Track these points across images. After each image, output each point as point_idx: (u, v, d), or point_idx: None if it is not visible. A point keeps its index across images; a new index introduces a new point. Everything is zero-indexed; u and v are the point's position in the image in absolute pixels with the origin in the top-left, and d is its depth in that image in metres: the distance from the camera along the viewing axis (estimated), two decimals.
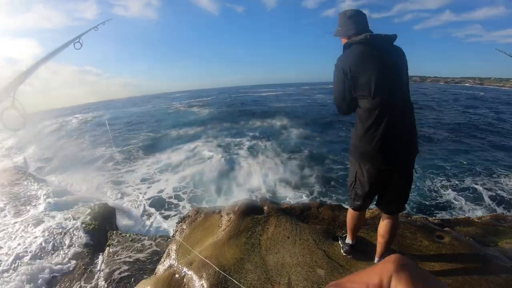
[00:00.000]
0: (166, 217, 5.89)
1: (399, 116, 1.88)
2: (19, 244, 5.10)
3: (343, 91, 1.96)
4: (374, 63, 1.85)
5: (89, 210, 6.42)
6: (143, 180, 9.11)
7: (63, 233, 5.41)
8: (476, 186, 7.07)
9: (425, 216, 4.40)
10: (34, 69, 0.99)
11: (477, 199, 6.40)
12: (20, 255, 4.71)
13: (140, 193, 7.84)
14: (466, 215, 5.25)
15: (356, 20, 2.01)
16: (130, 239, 4.99)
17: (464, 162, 9.12)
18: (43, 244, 5.06)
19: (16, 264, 4.45)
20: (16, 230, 5.61)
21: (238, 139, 14.76)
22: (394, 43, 1.94)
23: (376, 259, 2.31)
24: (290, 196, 6.72)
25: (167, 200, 7.14)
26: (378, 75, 1.83)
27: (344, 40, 2.06)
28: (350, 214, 2.34)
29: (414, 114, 2.00)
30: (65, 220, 5.92)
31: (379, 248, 2.26)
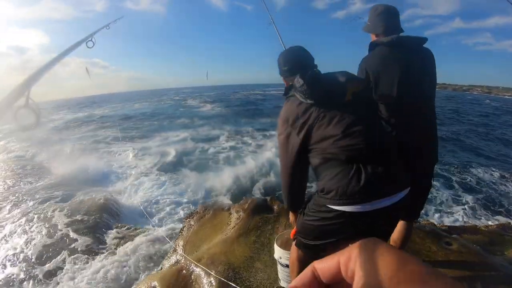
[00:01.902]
0: (172, 211, 5.88)
1: (420, 121, 1.86)
2: (21, 239, 5.14)
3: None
4: (397, 68, 1.79)
5: (91, 202, 6.47)
6: (149, 172, 9.04)
7: (65, 225, 5.43)
8: (483, 194, 7.04)
9: (432, 221, 4.41)
10: (48, 68, 0.99)
11: (484, 207, 6.37)
12: (20, 252, 4.73)
13: (146, 185, 7.81)
14: (473, 223, 5.25)
15: (386, 17, 1.91)
16: (135, 232, 5.00)
17: (473, 169, 9.05)
18: (45, 238, 5.08)
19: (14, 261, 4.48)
20: (18, 224, 5.64)
21: (246, 135, 14.65)
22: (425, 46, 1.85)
23: None
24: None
25: (174, 193, 7.11)
26: (400, 80, 1.78)
27: (373, 37, 1.98)
28: None
29: (435, 119, 1.94)
30: (68, 212, 5.95)
31: None
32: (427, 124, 1.90)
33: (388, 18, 1.91)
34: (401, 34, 1.88)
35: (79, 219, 5.62)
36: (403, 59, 1.80)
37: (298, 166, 1.55)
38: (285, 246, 2.21)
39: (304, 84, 1.47)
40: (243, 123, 18.14)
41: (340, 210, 1.38)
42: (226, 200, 5.75)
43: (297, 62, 1.67)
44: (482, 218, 5.83)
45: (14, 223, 5.60)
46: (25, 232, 5.26)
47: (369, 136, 1.42)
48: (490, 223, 4.74)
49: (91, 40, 1.48)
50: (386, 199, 1.37)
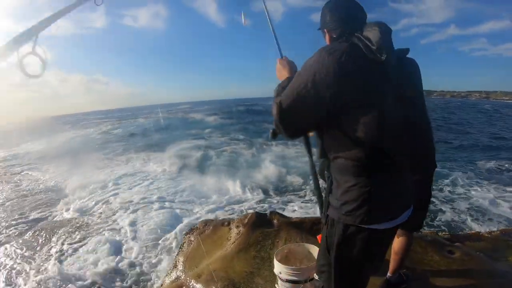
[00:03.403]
0: (172, 227, 5.87)
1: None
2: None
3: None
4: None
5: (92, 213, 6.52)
6: (153, 186, 9.02)
7: (65, 238, 5.44)
8: (485, 199, 6.97)
9: (434, 230, 4.38)
10: (58, 17, 0.97)
11: (487, 212, 6.32)
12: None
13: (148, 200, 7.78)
14: (476, 229, 5.21)
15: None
16: (136, 245, 4.99)
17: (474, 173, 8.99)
18: (46, 252, 5.08)
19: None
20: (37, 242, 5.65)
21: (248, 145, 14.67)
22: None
23: (388, 274, 2.29)
24: (298, 207, 6.59)
25: (173, 207, 7.09)
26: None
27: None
28: None
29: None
30: (69, 226, 5.96)
31: (392, 264, 2.24)
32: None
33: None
34: None
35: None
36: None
37: None
38: (285, 261, 2.20)
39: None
40: (250, 132, 18.25)
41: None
42: (225, 215, 5.74)
43: (353, 13, 1.34)
44: (484, 224, 5.78)
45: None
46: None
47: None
48: (493, 229, 4.70)
49: None
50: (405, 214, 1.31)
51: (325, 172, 1.35)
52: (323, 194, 1.40)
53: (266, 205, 6.69)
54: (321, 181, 1.47)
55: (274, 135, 1.38)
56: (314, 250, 2.19)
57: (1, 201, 8.23)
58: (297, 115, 1.22)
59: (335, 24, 1.34)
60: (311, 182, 1.48)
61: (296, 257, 2.28)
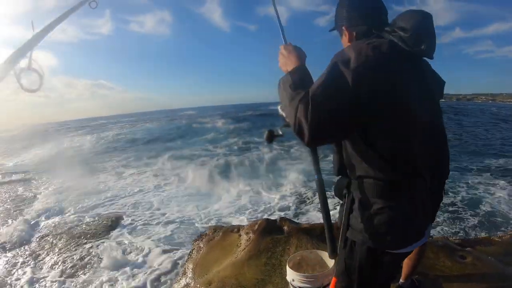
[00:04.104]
0: (182, 232, 5.86)
1: None
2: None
3: None
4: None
5: (101, 221, 6.52)
6: (160, 190, 9.02)
7: (72, 245, 5.44)
8: (496, 202, 6.90)
9: (445, 235, 4.33)
10: (50, 29, 0.98)
11: (496, 215, 6.25)
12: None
13: (157, 205, 7.76)
14: (487, 233, 5.17)
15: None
16: (142, 252, 4.98)
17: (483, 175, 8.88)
18: (49, 259, 5.09)
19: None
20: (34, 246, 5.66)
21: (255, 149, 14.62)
22: None
23: (401, 281, 2.28)
24: (308, 213, 6.52)
25: (184, 213, 7.08)
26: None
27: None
28: None
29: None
30: (75, 232, 5.98)
31: (405, 271, 2.22)
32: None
33: None
34: None
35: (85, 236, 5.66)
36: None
37: None
38: (297, 268, 2.19)
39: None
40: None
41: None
42: (235, 221, 5.72)
43: (378, 5, 1.21)
44: (494, 228, 5.72)
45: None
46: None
47: None
48: (504, 233, 4.65)
49: (94, 1, 1.42)
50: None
51: (344, 190, 1.22)
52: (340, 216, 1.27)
53: (278, 211, 6.65)
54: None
55: (271, 138, 1.27)
56: (327, 257, 2.19)
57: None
58: (332, 117, 0.97)
59: (358, 20, 1.18)
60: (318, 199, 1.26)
61: (308, 263, 2.27)
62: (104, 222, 6.54)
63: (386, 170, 1.07)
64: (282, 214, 6.29)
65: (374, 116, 1.01)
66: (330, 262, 2.13)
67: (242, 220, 6.08)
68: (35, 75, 0.86)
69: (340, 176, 1.25)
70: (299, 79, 1.09)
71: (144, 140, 22.65)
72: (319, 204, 1.18)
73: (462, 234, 5.49)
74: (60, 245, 5.55)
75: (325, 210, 1.16)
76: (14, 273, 4.77)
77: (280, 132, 1.32)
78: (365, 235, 1.13)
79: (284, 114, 1.18)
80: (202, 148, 16.33)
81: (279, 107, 1.23)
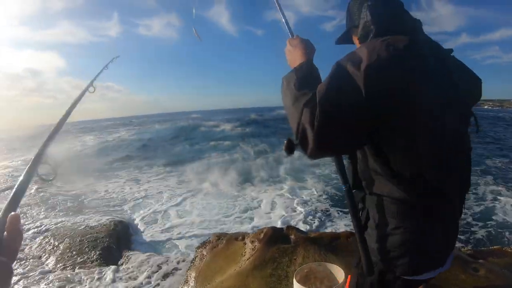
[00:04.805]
0: (184, 238, 5.78)
1: None
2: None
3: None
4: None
5: (104, 227, 6.41)
6: (163, 196, 8.89)
7: (73, 251, 5.36)
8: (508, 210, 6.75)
9: (456, 246, 4.17)
10: (60, 128, 1.12)
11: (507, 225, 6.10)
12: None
13: (155, 209, 7.67)
14: (499, 245, 5.03)
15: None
16: (146, 259, 4.90)
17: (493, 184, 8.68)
18: (53, 261, 5.03)
19: None
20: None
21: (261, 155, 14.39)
22: None
23: None
24: (311, 221, 6.36)
25: (186, 219, 6.99)
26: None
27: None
28: None
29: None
30: (77, 237, 5.89)
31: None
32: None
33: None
34: None
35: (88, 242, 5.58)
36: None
37: None
38: (305, 280, 2.09)
39: None
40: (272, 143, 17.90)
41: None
42: (240, 229, 5.63)
43: (400, 17, 1.04)
44: (505, 238, 5.57)
45: None
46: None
47: None
48: None
49: (92, 86, 1.59)
50: None
51: (359, 204, 1.12)
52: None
53: (286, 218, 6.47)
54: None
55: (291, 148, 1.07)
56: (336, 270, 2.09)
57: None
58: (342, 124, 0.85)
59: (377, 22, 1.00)
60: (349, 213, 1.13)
61: (317, 276, 2.17)
62: (113, 227, 6.46)
63: (402, 188, 0.95)
64: (292, 221, 6.19)
65: (385, 123, 0.88)
66: (339, 276, 2.05)
67: (248, 227, 5.99)
68: (49, 168, 0.96)
69: (355, 190, 1.13)
70: (304, 76, 0.96)
71: (150, 143, 22.49)
72: (351, 218, 1.08)
73: (472, 242, 5.36)
74: (62, 250, 5.50)
75: (358, 225, 1.06)
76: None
77: None
78: (378, 256, 1.04)
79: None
80: (214, 153, 16.08)
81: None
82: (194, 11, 1.97)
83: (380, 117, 0.86)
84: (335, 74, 0.88)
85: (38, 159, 0.92)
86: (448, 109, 0.93)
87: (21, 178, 0.81)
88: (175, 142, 21.81)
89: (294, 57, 1.09)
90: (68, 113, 1.22)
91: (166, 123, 43.95)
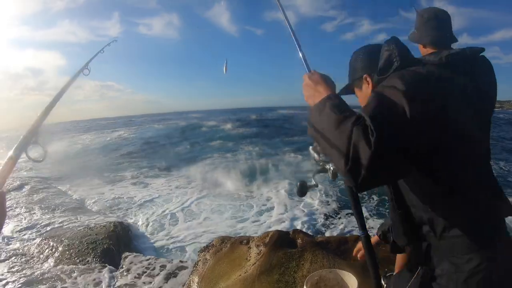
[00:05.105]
0: (187, 240, 5.67)
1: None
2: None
3: None
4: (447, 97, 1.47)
5: (104, 228, 6.29)
6: (163, 198, 8.75)
7: (72, 253, 5.26)
8: None
9: None
10: (52, 107, 1.13)
11: None
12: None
13: (159, 212, 7.53)
14: None
15: (436, 25, 1.55)
16: (147, 262, 4.79)
17: None
18: (51, 262, 4.94)
19: None
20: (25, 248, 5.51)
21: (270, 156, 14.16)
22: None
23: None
24: (317, 224, 6.23)
25: (189, 221, 6.87)
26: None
27: (420, 48, 1.64)
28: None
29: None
30: (76, 238, 5.78)
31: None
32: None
33: (438, 26, 1.58)
34: (454, 44, 1.60)
35: (87, 245, 5.47)
36: (456, 85, 1.45)
37: None
38: None
39: None
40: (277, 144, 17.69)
41: None
42: (244, 232, 5.51)
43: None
44: None
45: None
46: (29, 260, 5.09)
47: None
48: None
49: (86, 68, 1.58)
50: None
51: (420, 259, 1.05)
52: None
53: (291, 221, 6.37)
54: None
55: (304, 191, 1.12)
56: (348, 277, 1.98)
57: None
58: (400, 141, 0.80)
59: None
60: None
61: (327, 284, 2.06)
62: (112, 229, 6.35)
63: (469, 221, 0.93)
64: (297, 224, 6.08)
65: (436, 139, 0.87)
66: (351, 283, 1.94)
67: (253, 230, 5.88)
68: (40, 148, 0.97)
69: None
70: (342, 103, 0.91)
71: (151, 144, 22.30)
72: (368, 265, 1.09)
73: None
74: (60, 251, 5.39)
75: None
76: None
77: (314, 182, 1.18)
78: None
79: (317, 154, 1.11)
80: (216, 154, 15.85)
81: (310, 148, 1.14)
82: (226, 63, 1.98)
83: (426, 133, 0.85)
84: (376, 97, 0.88)
85: (29, 136, 0.92)
86: (474, 121, 0.99)
87: (9, 154, 0.82)
88: (175, 142, 21.63)
89: (314, 92, 1.05)
90: (61, 92, 1.23)
91: (166, 122, 43.83)
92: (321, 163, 1.09)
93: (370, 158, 0.74)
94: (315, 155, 1.10)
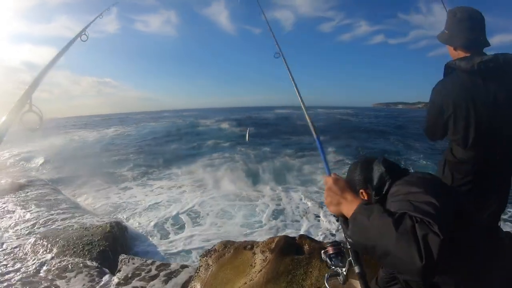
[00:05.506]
0: (189, 244, 5.55)
1: (495, 176, 1.52)
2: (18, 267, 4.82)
3: (435, 126, 1.59)
4: (480, 104, 1.40)
5: (100, 229, 6.14)
6: (165, 200, 8.58)
7: (67, 254, 5.12)
8: None
9: None
10: (46, 72, 1.12)
11: None
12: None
13: (161, 214, 7.37)
14: None
15: (469, 27, 1.47)
16: (144, 265, 4.67)
17: None
18: (44, 267, 4.79)
19: None
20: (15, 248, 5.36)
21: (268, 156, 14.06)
22: None
23: None
24: (327, 229, 6.10)
25: (186, 220, 6.73)
26: (481, 121, 1.41)
27: (450, 49, 1.58)
28: None
29: None
30: (71, 239, 5.64)
31: None
32: (505, 177, 1.56)
33: (471, 28, 1.48)
34: (486, 49, 1.50)
35: (83, 246, 5.34)
36: (488, 92, 1.38)
37: None
38: None
39: None
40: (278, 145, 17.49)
41: None
42: (245, 236, 5.38)
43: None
44: None
45: None
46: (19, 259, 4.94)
47: None
48: None
49: (84, 34, 1.55)
50: None
51: None
52: None
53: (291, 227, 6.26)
54: None
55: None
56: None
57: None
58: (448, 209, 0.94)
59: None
60: None
61: None
62: (109, 229, 6.20)
63: None
64: (303, 229, 5.98)
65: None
66: None
67: (258, 235, 5.76)
68: (35, 116, 0.97)
69: None
70: (385, 208, 0.94)
71: (148, 142, 22.06)
72: None
73: None
74: (55, 252, 5.25)
75: None
76: None
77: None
78: None
79: (329, 259, 1.17)
80: (215, 154, 15.58)
81: (322, 252, 1.23)
82: (248, 132, 1.95)
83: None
84: (407, 203, 0.95)
85: (23, 99, 0.91)
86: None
87: (3, 119, 0.82)
88: (172, 141, 21.45)
89: (340, 199, 1.07)
90: (58, 56, 1.22)
91: (163, 120, 43.60)
92: (333, 267, 1.14)
93: (441, 243, 0.77)
94: (328, 260, 1.15)
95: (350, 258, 1.09)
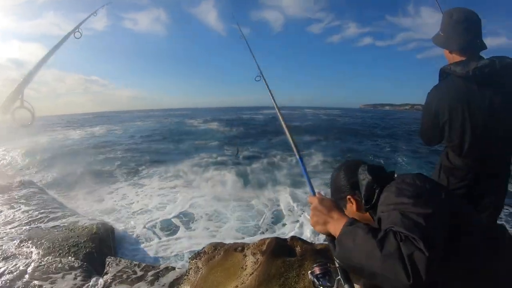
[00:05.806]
0: (175, 243, 5.46)
1: (491, 179, 1.52)
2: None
3: (430, 131, 1.59)
4: (475, 108, 1.39)
5: (86, 230, 5.99)
6: (151, 198, 8.48)
7: (53, 256, 4.98)
8: None
9: None
10: (38, 68, 1.12)
11: None
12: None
13: (151, 215, 7.25)
14: None
15: (465, 29, 1.45)
16: (131, 267, 4.58)
17: None
18: (29, 269, 4.65)
19: None
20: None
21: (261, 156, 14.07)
22: None
23: None
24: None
25: (177, 222, 6.64)
26: (477, 125, 1.41)
27: (446, 53, 1.56)
28: None
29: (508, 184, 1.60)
30: (57, 240, 5.49)
31: None
32: (499, 185, 1.58)
33: (467, 31, 1.46)
34: (482, 52, 1.48)
35: (69, 248, 5.21)
36: (484, 98, 1.37)
37: None
38: None
39: None
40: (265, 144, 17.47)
41: None
42: (237, 238, 5.31)
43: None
44: None
45: None
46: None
47: None
48: None
49: (78, 31, 1.56)
50: None
51: None
52: None
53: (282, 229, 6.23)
54: None
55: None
56: None
57: None
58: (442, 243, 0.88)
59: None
60: None
61: None
62: (95, 231, 6.06)
63: None
64: (294, 230, 5.93)
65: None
66: None
67: (248, 236, 5.72)
68: (27, 112, 0.98)
69: None
70: (370, 227, 0.91)
71: (135, 141, 21.78)
72: None
73: None
74: (40, 254, 5.10)
75: None
76: None
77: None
78: None
79: (316, 279, 1.14)
80: (203, 153, 15.45)
81: (309, 273, 1.19)
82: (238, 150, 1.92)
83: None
84: (395, 217, 0.92)
85: (14, 95, 0.91)
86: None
87: None
88: (159, 141, 21.30)
89: (327, 218, 1.06)
90: (50, 53, 1.22)
91: (149, 119, 43.22)
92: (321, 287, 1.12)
93: (427, 261, 0.76)
94: (315, 280, 1.13)
95: (339, 277, 1.06)
